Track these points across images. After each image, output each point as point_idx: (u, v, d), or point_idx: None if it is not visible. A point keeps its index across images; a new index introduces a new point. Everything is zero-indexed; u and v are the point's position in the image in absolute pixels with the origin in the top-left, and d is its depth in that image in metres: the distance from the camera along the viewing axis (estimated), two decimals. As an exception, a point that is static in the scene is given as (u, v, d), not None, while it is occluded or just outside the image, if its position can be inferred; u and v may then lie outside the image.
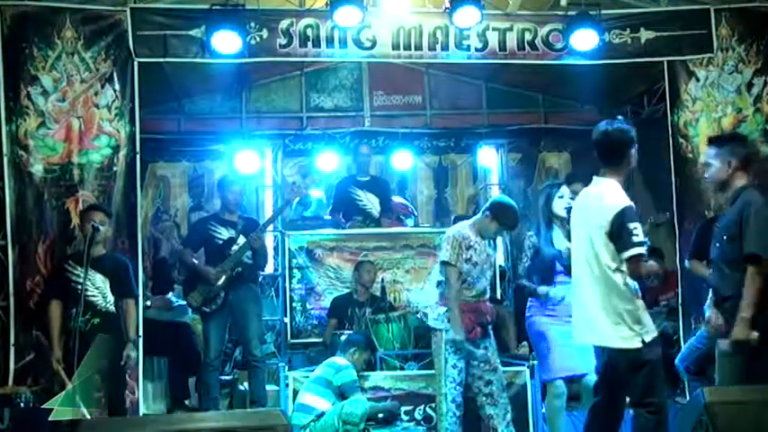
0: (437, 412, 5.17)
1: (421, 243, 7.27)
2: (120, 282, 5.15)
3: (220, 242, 5.91)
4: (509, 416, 5.05)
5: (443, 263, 5.04)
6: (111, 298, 5.09)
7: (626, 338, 3.76)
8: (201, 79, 7.54)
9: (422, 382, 5.70)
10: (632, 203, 3.82)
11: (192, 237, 6.32)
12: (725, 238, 4.06)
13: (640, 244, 3.70)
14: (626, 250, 3.71)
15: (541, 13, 6.30)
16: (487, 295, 5.10)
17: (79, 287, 4.84)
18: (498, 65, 6.67)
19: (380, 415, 5.56)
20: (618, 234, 3.74)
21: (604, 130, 3.93)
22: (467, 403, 5.04)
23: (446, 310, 5.01)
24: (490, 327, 5.11)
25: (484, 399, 5.01)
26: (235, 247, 5.88)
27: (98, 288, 5.07)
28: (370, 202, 7.55)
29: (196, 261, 6.00)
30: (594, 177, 3.98)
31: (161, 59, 5.90)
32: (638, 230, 3.71)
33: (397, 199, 8.02)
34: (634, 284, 3.80)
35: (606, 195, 3.86)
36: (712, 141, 4.38)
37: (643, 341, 3.75)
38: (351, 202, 7.53)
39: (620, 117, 4.04)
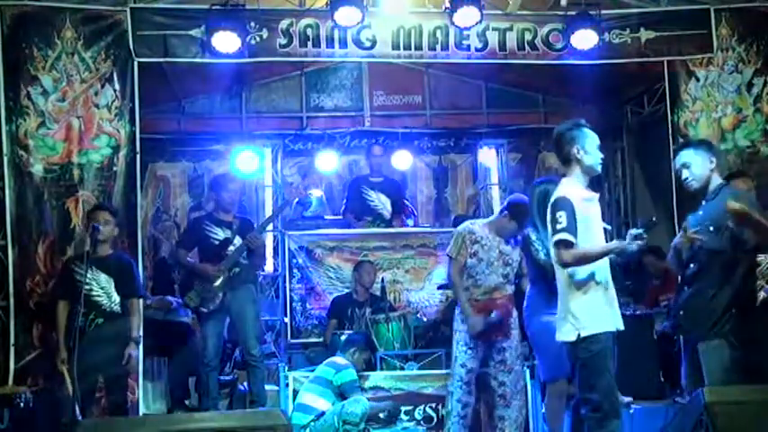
0: (444, 410, 5.20)
1: (421, 243, 7.28)
2: (124, 281, 5.15)
3: (216, 242, 5.89)
4: (521, 419, 5.06)
5: (447, 255, 5.12)
6: (116, 298, 5.09)
7: (565, 332, 3.87)
8: (201, 79, 7.54)
9: (422, 382, 5.70)
10: (571, 195, 3.86)
11: (186, 237, 6.29)
12: (711, 228, 4.10)
13: (561, 230, 3.77)
14: (551, 238, 3.84)
15: (541, 13, 6.30)
16: (504, 292, 5.07)
17: (84, 287, 4.84)
18: (498, 65, 6.67)
19: (381, 415, 5.56)
20: (551, 228, 3.86)
21: (553, 132, 4.08)
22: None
23: (459, 311, 5.05)
24: (512, 327, 5.08)
25: (497, 399, 5.02)
26: (231, 248, 5.86)
27: (103, 288, 5.07)
28: (382, 203, 7.57)
29: (191, 260, 5.99)
30: None
31: (161, 59, 5.90)
32: (562, 218, 3.78)
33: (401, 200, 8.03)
34: (577, 274, 3.85)
35: (554, 194, 3.97)
36: (689, 144, 4.47)
37: (578, 335, 3.81)
38: (362, 203, 7.55)
39: (581, 120, 4.09)
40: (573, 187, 3.93)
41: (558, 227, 3.78)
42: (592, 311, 3.84)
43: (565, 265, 3.82)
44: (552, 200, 3.89)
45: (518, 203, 5.09)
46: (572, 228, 3.77)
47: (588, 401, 3.80)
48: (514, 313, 5.11)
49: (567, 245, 3.77)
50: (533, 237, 4.91)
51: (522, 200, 5.13)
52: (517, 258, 5.12)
